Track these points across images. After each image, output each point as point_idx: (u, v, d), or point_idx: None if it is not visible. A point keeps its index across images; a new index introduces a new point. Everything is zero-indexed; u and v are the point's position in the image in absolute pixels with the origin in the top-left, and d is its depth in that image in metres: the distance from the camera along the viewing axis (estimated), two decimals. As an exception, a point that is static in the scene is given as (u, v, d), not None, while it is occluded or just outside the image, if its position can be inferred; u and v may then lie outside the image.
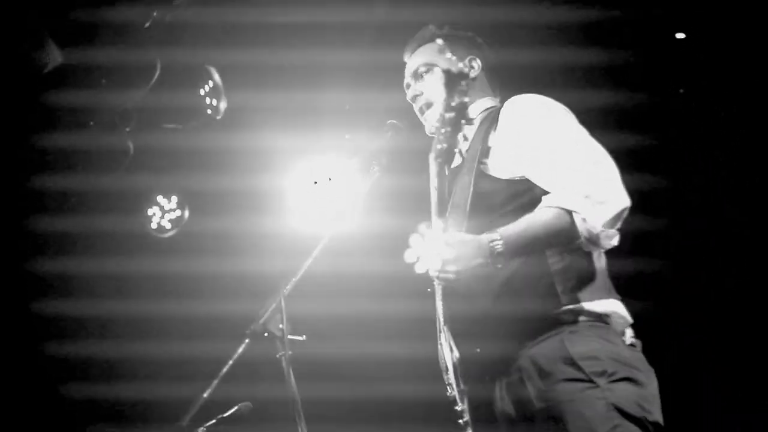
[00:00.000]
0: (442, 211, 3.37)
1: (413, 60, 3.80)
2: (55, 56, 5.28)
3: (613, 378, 3.12)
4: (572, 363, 3.13)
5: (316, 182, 6.21)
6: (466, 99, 3.29)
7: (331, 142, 6.48)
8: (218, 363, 3.69)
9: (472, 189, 3.35)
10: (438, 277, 3.14)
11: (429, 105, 3.70)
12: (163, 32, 5.54)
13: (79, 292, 6.39)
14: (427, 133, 3.72)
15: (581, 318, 3.23)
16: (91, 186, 6.05)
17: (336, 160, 6.36)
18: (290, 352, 3.46)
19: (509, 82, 3.79)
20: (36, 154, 5.75)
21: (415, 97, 3.75)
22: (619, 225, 3.19)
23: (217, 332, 4.75)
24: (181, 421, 3.46)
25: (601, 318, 3.26)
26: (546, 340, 3.21)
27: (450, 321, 3.24)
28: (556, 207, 3.17)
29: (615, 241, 3.24)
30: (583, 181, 3.17)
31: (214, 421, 3.96)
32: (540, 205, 3.22)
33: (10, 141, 5.78)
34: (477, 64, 3.73)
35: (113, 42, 5.40)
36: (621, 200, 3.17)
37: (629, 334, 3.25)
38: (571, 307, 3.23)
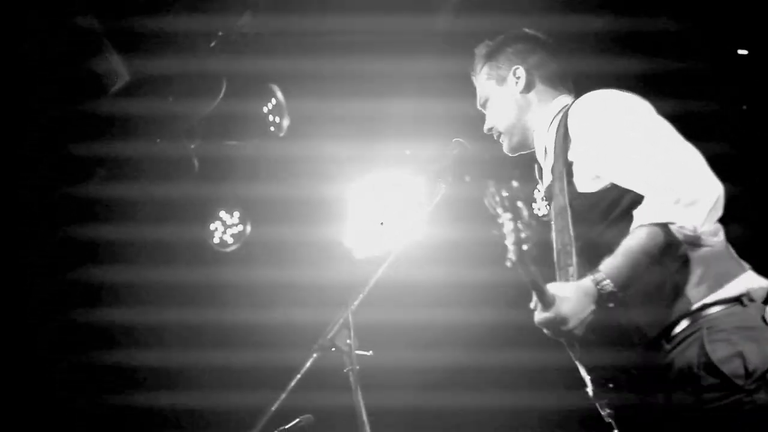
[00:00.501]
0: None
1: (477, 90, 3.78)
2: (122, 73, 5.38)
3: (758, 375, 2.99)
4: (714, 369, 3.00)
5: (382, 223, 6.21)
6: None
7: (395, 152, 6.52)
8: (284, 374, 3.70)
9: (570, 211, 3.27)
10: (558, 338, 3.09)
11: (499, 133, 3.66)
12: (229, 46, 5.63)
13: (147, 302, 6.50)
14: (508, 154, 3.69)
15: (716, 309, 3.09)
16: (156, 197, 6.15)
17: (399, 174, 6.40)
18: (358, 367, 3.48)
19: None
20: (99, 162, 5.85)
21: (489, 130, 3.70)
22: (718, 216, 3.03)
23: (283, 343, 4.82)
24: (250, 435, 3.49)
25: (738, 300, 3.12)
26: (685, 342, 3.08)
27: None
28: (648, 224, 3.02)
29: (721, 235, 3.16)
30: (669, 185, 3.01)
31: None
32: (632, 225, 3.07)
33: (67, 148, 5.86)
34: (522, 72, 3.58)
35: (179, 55, 5.49)
36: (712, 192, 2.99)
37: None
38: (701, 303, 3.11)
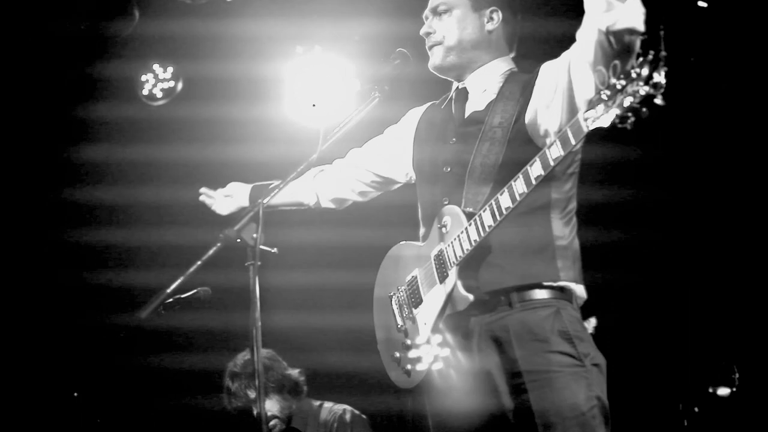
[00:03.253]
0: (445, 161, 3.58)
1: None
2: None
3: (593, 362, 3.37)
4: (568, 339, 3.35)
5: (314, 105, 6.17)
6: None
7: (332, 32, 6.45)
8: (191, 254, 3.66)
9: (502, 157, 3.44)
10: None
11: (438, 44, 3.73)
12: None
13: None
14: (430, 67, 3.78)
15: (567, 297, 3.46)
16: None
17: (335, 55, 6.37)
18: (260, 263, 3.45)
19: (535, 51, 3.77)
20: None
21: (427, 34, 3.77)
22: None
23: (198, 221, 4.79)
24: (140, 313, 3.46)
25: (576, 301, 3.51)
26: (539, 309, 3.41)
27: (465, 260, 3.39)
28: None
29: None
30: None
31: (171, 300, 3.96)
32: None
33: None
34: (498, 16, 3.73)
35: None
36: None
37: (593, 323, 3.39)
38: (563, 284, 3.45)
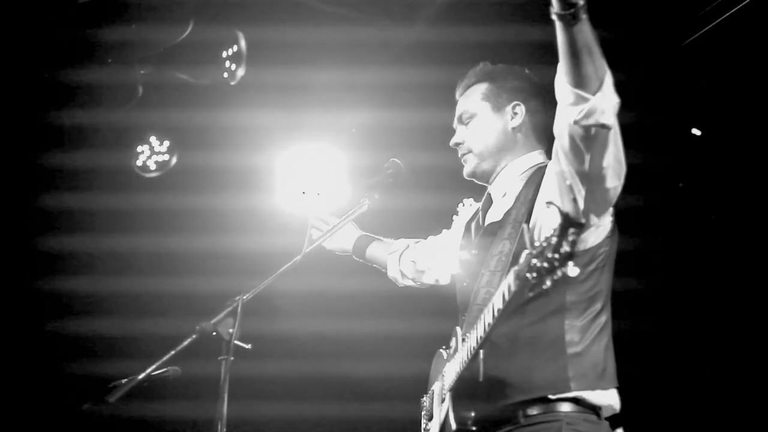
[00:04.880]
0: (466, 274, 3.48)
1: (461, 102, 3.76)
2: None
3: None
4: None
5: (304, 192, 6.23)
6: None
7: (327, 124, 6.50)
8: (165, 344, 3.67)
9: (512, 257, 3.24)
10: None
11: (469, 152, 3.68)
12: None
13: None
14: (465, 176, 3.73)
15: (579, 408, 3.20)
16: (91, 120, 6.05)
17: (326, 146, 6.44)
18: (232, 358, 3.46)
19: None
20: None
21: (457, 144, 3.73)
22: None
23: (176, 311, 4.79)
24: (109, 397, 3.45)
25: (595, 410, 3.23)
26: (542, 425, 3.19)
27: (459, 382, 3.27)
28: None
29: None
30: None
31: (141, 376, 3.94)
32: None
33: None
34: (521, 110, 3.63)
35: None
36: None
37: None
38: (575, 394, 3.20)
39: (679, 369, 6.25)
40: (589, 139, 2.97)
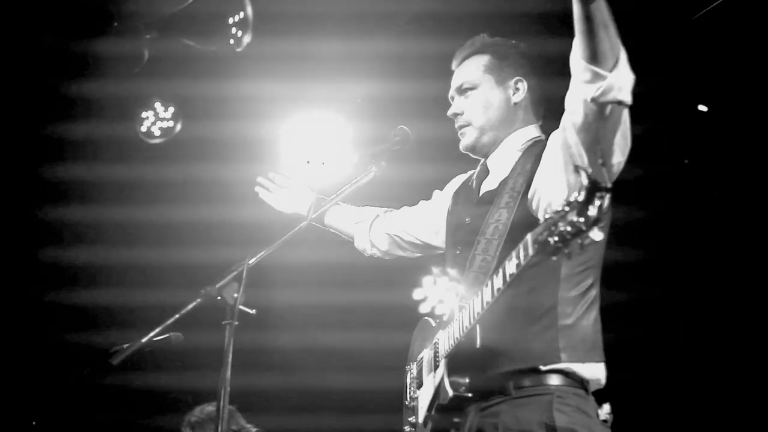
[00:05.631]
0: (458, 242, 3.48)
1: (460, 72, 3.75)
2: None
3: None
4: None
5: (308, 161, 6.22)
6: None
7: (329, 94, 6.48)
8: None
9: (510, 225, 3.30)
10: None
11: (468, 124, 3.67)
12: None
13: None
14: (461, 149, 3.72)
15: (568, 381, 3.25)
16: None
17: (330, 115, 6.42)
18: (236, 323, 3.45)
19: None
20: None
21: (455, 115, 3.72)
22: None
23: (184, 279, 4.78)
24: (112, 359, 3.44)
25: (583, 384, 3.27)
26: (534, 397, 3.22)
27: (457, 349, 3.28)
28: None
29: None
30: None
31: (143, 340, 3.94)
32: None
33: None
34: (524, 86, 3.65)
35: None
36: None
37: (606, 410, 3.25)
38: (564, 366, 3.24)
39: (679, 349, 6.27)
40: (604, 115, 2.99)
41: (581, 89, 2.99)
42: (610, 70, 2.93)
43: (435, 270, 3.46)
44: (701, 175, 6.26)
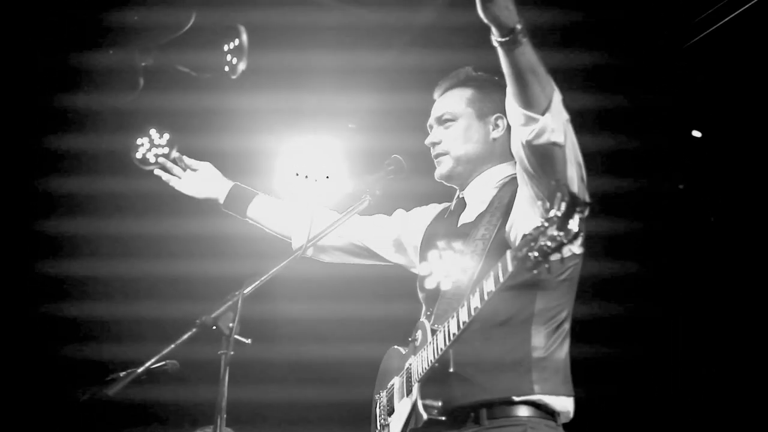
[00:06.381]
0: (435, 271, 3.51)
1: (441, 102, 3.81)
2: None
3: None
4: None
5: (307, 177, 6.23)
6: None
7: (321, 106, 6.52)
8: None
9: (487, 251, 3.36)
10: None
11: (446, 153, 3.73)
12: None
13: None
14: (436, 177, 3.78)
15: (539, 413, 3.29)
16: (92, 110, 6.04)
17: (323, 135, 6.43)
18: (232, 353, 3.46)
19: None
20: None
21: (433, 144, 3.77)
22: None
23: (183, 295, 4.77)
24: (108, 389, 3.45)
25: (554, 416, 3.33)
26: (506, 429, 3.27)
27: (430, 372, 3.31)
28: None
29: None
30: None
31: (139, 370, 3.94)
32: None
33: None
34: (503, 123, 3.69)
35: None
36: None
37: None
38: (536, 398, 3.29)
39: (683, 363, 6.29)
40: (545, 156, 3.08)
41: (518, 132, 3.10)
42: (543, 113, 3.02)
43: (440, 244, 3.55)
44: (696, 199, 6.29)
